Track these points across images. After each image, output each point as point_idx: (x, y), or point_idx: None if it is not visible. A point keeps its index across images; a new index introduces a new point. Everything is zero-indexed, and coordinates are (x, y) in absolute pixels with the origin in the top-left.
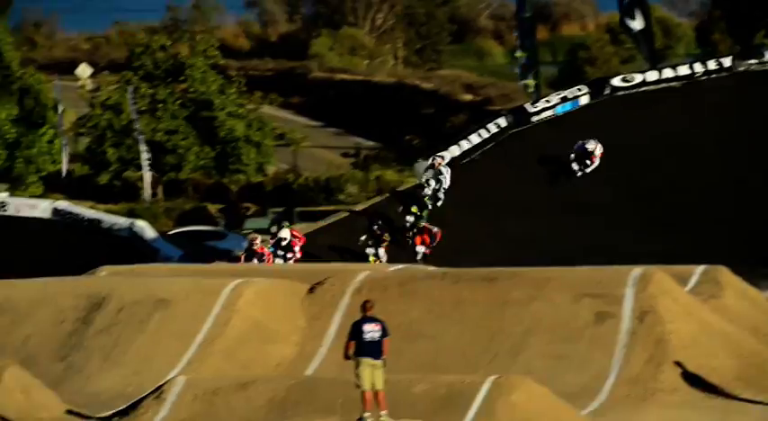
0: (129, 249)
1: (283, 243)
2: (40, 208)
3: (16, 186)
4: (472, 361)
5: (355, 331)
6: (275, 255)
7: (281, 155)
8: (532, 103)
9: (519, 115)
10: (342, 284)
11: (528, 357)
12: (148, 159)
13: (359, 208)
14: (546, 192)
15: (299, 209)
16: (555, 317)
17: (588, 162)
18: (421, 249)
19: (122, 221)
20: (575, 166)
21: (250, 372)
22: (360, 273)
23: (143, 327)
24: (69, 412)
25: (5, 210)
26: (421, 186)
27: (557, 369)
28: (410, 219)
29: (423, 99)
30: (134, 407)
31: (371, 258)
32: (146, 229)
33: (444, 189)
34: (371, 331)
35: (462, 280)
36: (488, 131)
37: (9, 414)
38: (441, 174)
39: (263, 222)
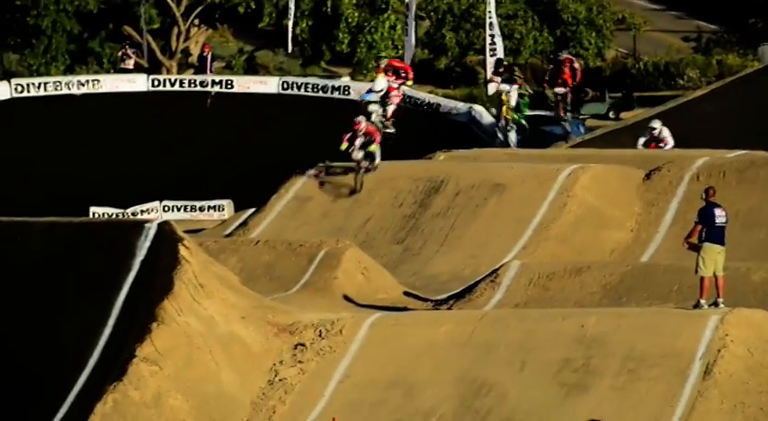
0: (467, 134)
1: (380, 94)
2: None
3: (358, 71)
4: None
5: (707, 216)
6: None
7: (620, 39)
8: None
9: None
10: (679, 170)
11: None
12: (491, 44)
13: None
14: None
15: (637, 93)
16: None
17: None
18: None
19: (461, 106)
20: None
21: (584, 258)
22: (698, 160)
23: (479, 212)
24: (406, 294)
25: (348, 94)
26: None
27: None
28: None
29: None
30: (470, 290)
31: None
32: (483, 114)
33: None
34: (721, 216)
35: None
36: None
37: (349, 293)
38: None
39: (600, 107)
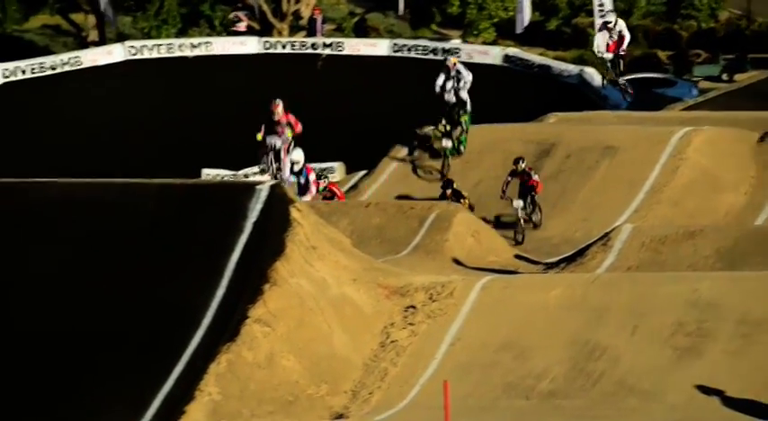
0: (578, 96)
1: (296, 168)
2: (492, 54)
3: (468, 33)
4: None
5: None
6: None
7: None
8: None
9: None
10: None
11: None
12: (600, 5)
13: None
14: None
15: (751, 55)
16: None
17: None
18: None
19: (571, 68)
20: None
21: (697, 221)
22: None
23: (590, 175)
24: (517, 257)
25: (458, 56)
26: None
27: None
28: (447, 144)
29: None
30: (581, 253)
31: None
32: (595, 76)
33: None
34: None
35: None
36: None
37: (460, 256)
38: (459, 72)
39: (713, 69)
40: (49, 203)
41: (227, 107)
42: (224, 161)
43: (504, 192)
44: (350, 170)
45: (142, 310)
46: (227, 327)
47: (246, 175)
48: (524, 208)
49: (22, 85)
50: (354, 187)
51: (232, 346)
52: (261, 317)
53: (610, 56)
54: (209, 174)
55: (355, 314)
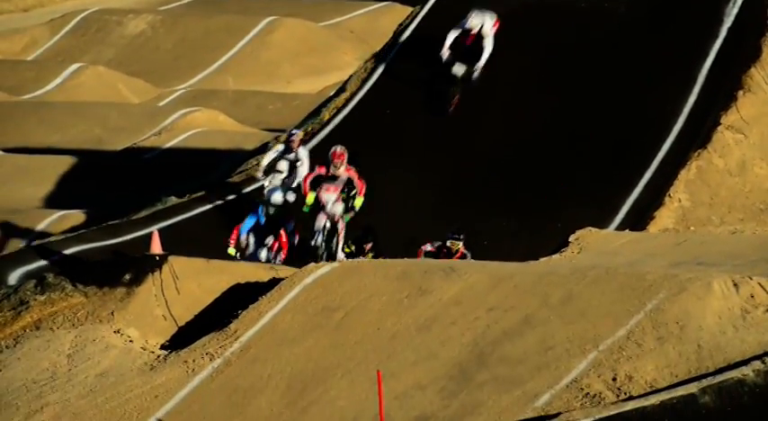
0: None
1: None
2: None
3: None
4: None
5: None
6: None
7: None
8: None
9: None
10: None
11: None
12: None
13: None
14: None
15: None
16: None
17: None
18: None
19: None
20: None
21: None
22: None
23: None
24: None
25: None
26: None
27: None
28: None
29: None
30: None
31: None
32: None
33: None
34: None
35: None
36: None
37: None
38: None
39: None
40: (528, 8)
41: None
42: None
43: None
44: None
45: (613, 116)
46: (699, 134)
47: None
48: None
49: None
50: None
51: (703, 153)
52: (733, 123)
53: None
54: None
55: None
